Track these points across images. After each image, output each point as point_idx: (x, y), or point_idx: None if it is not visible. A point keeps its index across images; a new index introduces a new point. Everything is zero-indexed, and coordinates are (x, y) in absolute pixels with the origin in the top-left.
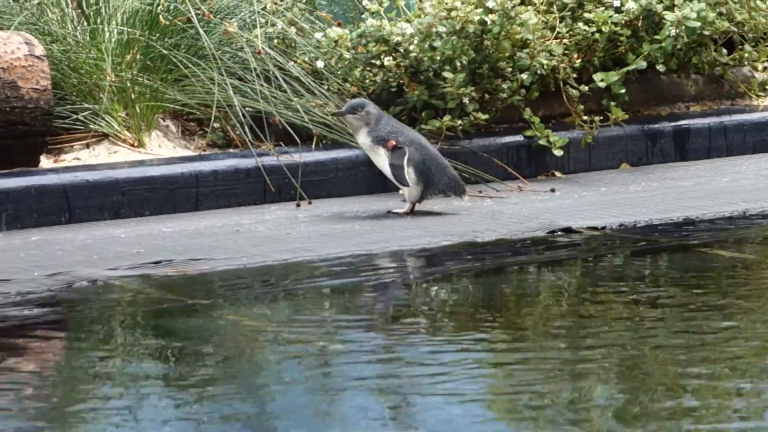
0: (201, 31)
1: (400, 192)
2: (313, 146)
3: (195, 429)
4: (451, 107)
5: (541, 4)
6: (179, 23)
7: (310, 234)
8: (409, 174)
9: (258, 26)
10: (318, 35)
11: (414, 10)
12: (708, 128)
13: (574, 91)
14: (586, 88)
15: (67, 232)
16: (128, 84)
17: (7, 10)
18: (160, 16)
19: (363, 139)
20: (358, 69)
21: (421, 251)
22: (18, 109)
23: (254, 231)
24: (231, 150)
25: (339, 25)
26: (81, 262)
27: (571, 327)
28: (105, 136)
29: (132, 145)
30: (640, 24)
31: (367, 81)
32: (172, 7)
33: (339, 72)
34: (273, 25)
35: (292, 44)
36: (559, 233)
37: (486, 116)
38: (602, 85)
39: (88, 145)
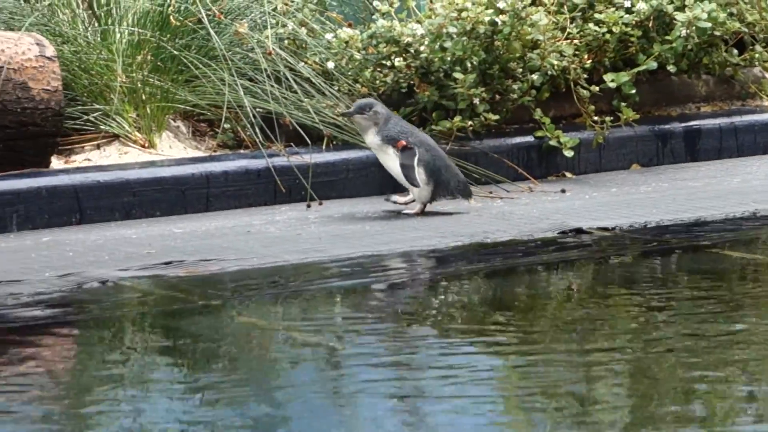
0: (212, 31)
1: (407, 195)
2: (324, 147)
3: None
4: (461, 108)
5: (552, 4)
6: (190, 24)
7: (320, 235)
8: (420, 174)
9: (269, 27)
10: (328, 36)
11: (424, 11)
12: (719, 129)
13: (584, 91)
14: (597, 88)
15: (78, 233)
16: (139, 85)
17: (18, 11)
18: (171, 17)
19: (372, 138)
20: (369, 70)
21: (431, 252)
22: (29, 109)
23: (265, 232)
24: (241, 151)
25: (350, 25)
26: (92, 263)
27: (582, 329)
28: (116, 136)
29: (143, 146)
30: (650, 24)
31: (378, 82)
32: (182, 8)
33: (349, 73)
34: (284, 25)
35: (303, 45)
36: (570, 234)
37: (496, 117)
38: (613, 85)
39: (98, 146)
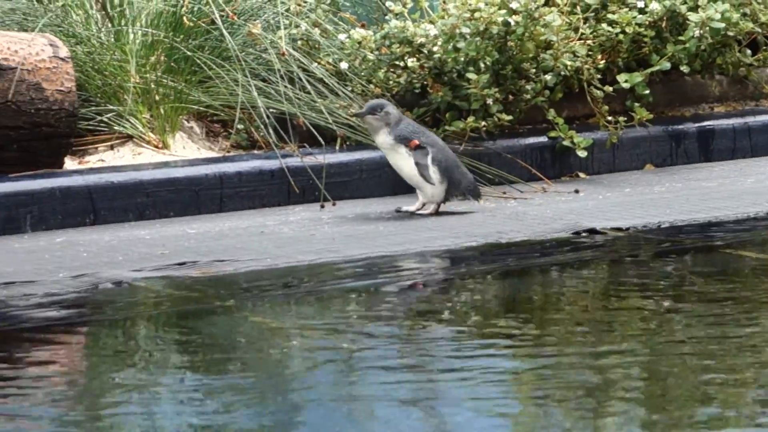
0: (225, 32)
1: (416, 203)
2: (337, 147)
3: None
4: (474, 108)
5: (565, 5)
6: (203, 25)
7: (334, 235)
8: (434, 173)
9: (282, 28)
10: (342, 36)
11: (438, 12)
12: (732, 129)
13: (598, 92)
14: (610, 89)
15: (91, 234)
16: (152, 85)
17: (31, 12)
18: (184, 18)
19: (384, 138)
20: (382, 70)
21: (445, 252)
22: (42, 110)
23: (278, 232)
24: (255, 151)
25: (363, 26)
26: (106, 264)
27: (596, 330)
28: (129, 137)
29: (156, 147)
30: (664, 25)
31: (391, 82)
32: (196, 9)
33: (363, 73)
34: (297, 26)
35: (316, 45)
36: (584, 234)
37: (510, 117)
38: (626, 86)
39: (112, 147)
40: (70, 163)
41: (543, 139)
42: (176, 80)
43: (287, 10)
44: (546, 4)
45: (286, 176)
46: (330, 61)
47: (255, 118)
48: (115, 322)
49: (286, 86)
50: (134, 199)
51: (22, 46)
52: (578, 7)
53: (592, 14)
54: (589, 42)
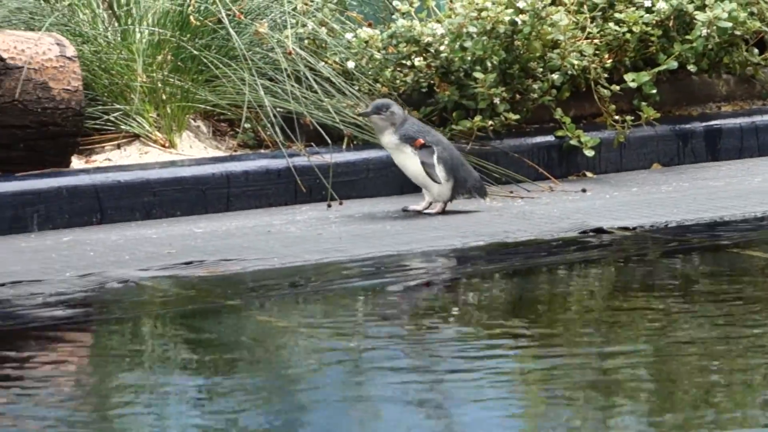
0: (232, 31)
1: (422, 202)
2: (344, 147)
3: None
4: (481, 107)
5: (572, 4)
6: (210, 24)
7: (341, 234)
8: (440, 171)
9: (289, 27)
10: (349, 36)
11: (444, 11)
12: (739, 128)
13: (605, 91)
14: (617, 88)
15: (98, 233)
16: (159, 85)
17: (38, 12)
18: (191, 17)
19: (389, 138)
20: (389, 69)
21: (452, 252)
22: (49, 109)
23: (285, 231)
24: (262, 150)
25: (370, 25)
26: (112, 263)
27: (603, 330)
28: (136, 136)
29: (163, 146)
30: (671, 24)
31: (398, 81)
32: (203, 8)
33: (370, 72)
34: (304, 25)
35: (323, 45)
36: (591, 234)
37: (517, 116)
38: (633, 85)
39: (119, 146)
40: (76, 163)
41: (550, 138)
42: (183, 79)
43: (294, 9)
44: (553, 3)
45: (293, 175)
46: (337, 60)
47: (262, 117)
48: (122, 321)
49: (293, 85)
50: (141, 199)
51: (29, 45)
52: (585, 6)
53: (599, 13)
54: (596, 41)
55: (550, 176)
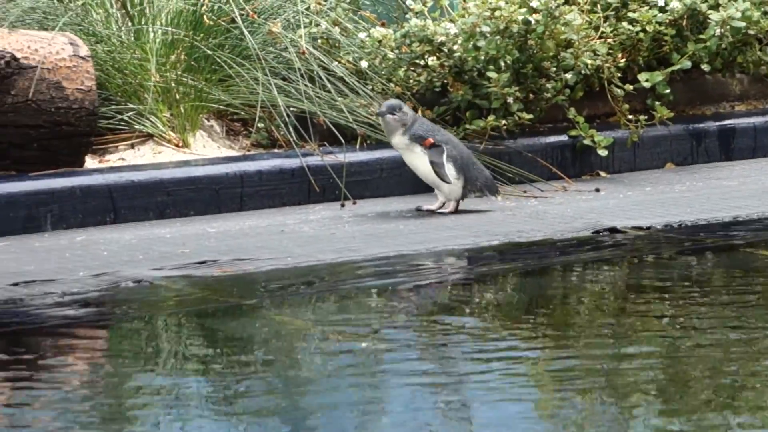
0: (245, 31)
1: (436, 202)
2: (358, 146)
3: None
4: (495, 107)
5: (585, 3)
6: (223, 23)
7: (354, 234)
8: (450, 170)
9: (302, 26)
10: (362, 35)
11: (458, 10)
12: (753, 127)
13: (618, 90)
14: (631, 87)
15: (112, 232)
16: (173, 84)
17: (51, 11)
18: (205, 17)
19: (399, 138)
20: (402, 69)
21: (465, 251)
22: (63, 109)
23: (299, 231)
24: (275, 150)
25: (383, 25)
26: (126, 263)
27: (617, 330)
28: (150, 136)
29: (177, 146)
30: (684, 23)
31: (411, 81)
32: (216, 8)
33: (383, 72)
34: (317, 25)
35: (336, 44)
36: (604, 233)
37: (530, 116)
38: (647, 84)
39: (132, 146)
40: (90, 162)
41: (563, 137)
42: (196, 79)
43: (307, 9)
44: (566, 2)
45: (306, 175)
46: (350, 59)
47: (275, 116)
48: (136, 320)
49: (306, 85)
50: (155, 198)
51: (43, 44)
52: (599, 6)
53: (613, 13)
54: (609, 40)
55: (563, 176)
